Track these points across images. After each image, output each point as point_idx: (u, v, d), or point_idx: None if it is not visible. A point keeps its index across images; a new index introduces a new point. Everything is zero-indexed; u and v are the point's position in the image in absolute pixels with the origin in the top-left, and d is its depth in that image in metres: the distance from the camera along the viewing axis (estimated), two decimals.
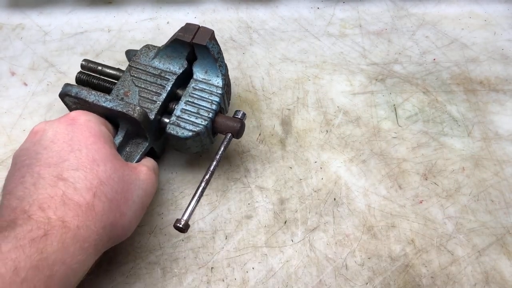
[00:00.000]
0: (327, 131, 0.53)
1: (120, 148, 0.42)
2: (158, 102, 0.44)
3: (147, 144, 0.43)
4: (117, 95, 0.45)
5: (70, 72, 0.58)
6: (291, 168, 0.50)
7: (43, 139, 0.36)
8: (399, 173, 0.50)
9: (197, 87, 0.45)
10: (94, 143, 0.36)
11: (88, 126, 0.38)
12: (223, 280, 0.43)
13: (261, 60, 0.60)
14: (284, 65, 0.59)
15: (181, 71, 0.46)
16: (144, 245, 0.45)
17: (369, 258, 0.44)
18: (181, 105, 0.44)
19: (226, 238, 0.45)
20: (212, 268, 0.44)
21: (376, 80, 0.58)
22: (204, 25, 0.46)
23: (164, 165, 0.50)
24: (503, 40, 0.62)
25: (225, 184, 0.49)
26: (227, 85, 0.46)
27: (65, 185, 0.33)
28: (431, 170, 0.50)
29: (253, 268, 0.44)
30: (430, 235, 0.46)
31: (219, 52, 0.46)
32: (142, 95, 0.44)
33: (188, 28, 0.45)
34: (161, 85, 0.45)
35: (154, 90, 0.45)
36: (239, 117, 0.44)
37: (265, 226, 0.46)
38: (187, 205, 0.38)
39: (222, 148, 0.42)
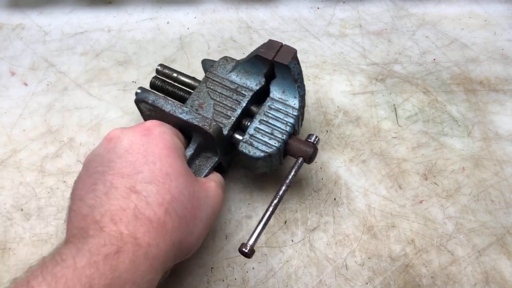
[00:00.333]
0: (327, 131, 0.53)
1: (190, 161, 0.41)
2: (232, 118, 0.43)
3: (216, 159, 0.42)
4: (191, 106, 0.44)
5: (70, 72, 0.58)
6: None
7: (117, 147, 0.35)
8: (399, 173, 0.50)
9: (273, 107, 0.44)
10: (168, 156, 0.35)
11: (163, 138, 0.37)
12: (223, 280, 0.43)
13: None
14: None
15: (258, 87, 0.44)
16: None
17: (369, 258, 0.44)
18: (255, 123, 0.43)
19: (226, 238, 0.45)
20: (212, 268, 0.44)
21: (376, 80, 0.58)
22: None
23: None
24: (503, 40, 0.62)
25: (225, 184, 0.49)
26: (302, 107, 0.45)
27: (138, 198, 0.32)
28: (431, 170, 0.50)
29: (253, 268, 0.44)
30: (430, 235, 0.46)
31: (300, 73, 0.44)
32: (217, 109, 0.43)
33: (270, 45, 0.43)
34: (236, 100, 0.44)
35: (229, 105, 0.44)
36: (312, 141, 0.42)
37: None
38: (253, 228, 0.37)
39: (292, 173, 0.40)
